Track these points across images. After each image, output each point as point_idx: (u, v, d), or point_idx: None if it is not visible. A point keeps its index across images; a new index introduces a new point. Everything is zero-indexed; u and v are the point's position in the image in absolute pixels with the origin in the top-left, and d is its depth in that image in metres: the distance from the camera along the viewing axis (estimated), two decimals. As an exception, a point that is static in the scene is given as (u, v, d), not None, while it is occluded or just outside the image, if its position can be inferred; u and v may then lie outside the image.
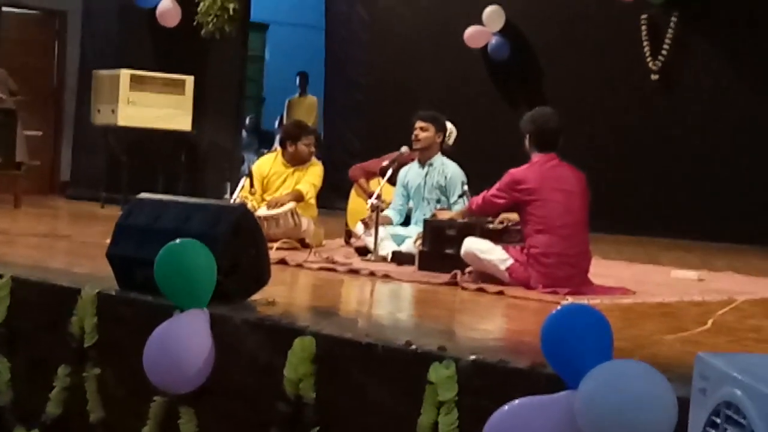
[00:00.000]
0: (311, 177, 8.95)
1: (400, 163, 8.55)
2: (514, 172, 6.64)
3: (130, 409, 4.97)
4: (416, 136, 8.25)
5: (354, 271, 7.22)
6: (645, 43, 12.06)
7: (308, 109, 16.54)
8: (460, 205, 7.83)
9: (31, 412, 5.41)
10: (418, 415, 3.91)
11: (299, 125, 9.55)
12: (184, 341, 4.53)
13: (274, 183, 8.98)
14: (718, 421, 2.27)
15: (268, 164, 9.12)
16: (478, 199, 6.89)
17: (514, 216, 7.03)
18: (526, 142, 6.73)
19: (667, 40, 11.94)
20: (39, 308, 5.55)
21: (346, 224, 9.32)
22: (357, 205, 9.27)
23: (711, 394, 2.34)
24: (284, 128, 9.46)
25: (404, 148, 8.51)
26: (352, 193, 9.55)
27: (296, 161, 9.00)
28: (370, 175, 9.44)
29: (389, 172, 8.38)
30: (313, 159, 9.19)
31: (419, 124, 8.27)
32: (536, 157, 6.66)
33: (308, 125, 9.99)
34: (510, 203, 6.68)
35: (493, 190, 6.70)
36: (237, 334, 4.65)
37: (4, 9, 14.84)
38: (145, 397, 4.84)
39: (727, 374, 2.28)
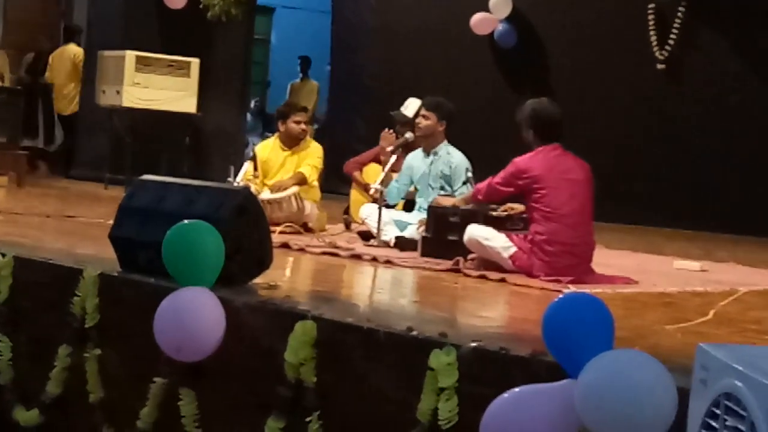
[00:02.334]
0: (311, 159, 8.95)
1: (404, 150, 8.55)
2: (519, 162, 6.62)
3: (131, 389, 4.97)
4: (418, 123, 8.25)
5: (356, 256, 7.22)
6: (652, 32, 12.02)
7: (308, 93, 16.64)
8: (463, 192, 7.81)
9: (31, 391, 5.43)
10: (418, 401, 3.91)
11: (288, 104, 9.63)
12: (197, 305, 4.54)
13: (273, 167, 8.98)
14: (718, 412, 2.27)
15: (266, 149, 9.12)
16: (482, 186, 6.88)
17: (518, 207, 7.03)
18: (528, 135, 6.68)
19: (674, 30, 11.91)
20: (41, 288, 5.56)
21: (345, 212, 9.34)
22: (358, 195, 9.31)
23: (711, 385, 2.33)
24: (277, 109, 9.53)
25: (409, 134, 8.51)
26: (353, 184, 9.57)
27: (290, 141, 9.00)
28: (363, 166, 9.48)
29: (393, 158, 8.37)
30: (310, 139, 9.20)
31: (422, 111, 8.26)
32: (540, 147, 6.64)
33: (297, 103, 10.00)
34: (514, 192, 6.68)
35: (498, 178, 6.69)
36: (238, 317, 4.65)
37: (10, -12, 14.84)
38: (145, 378, 4.85)
39: (727, 365, 2.28)
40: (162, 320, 4.53)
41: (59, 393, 5.31)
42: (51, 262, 5.61)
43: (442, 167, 8.17)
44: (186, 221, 4.77)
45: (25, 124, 13.60)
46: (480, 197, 6.94)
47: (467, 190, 7.73)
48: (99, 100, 12.67)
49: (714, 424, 2.29)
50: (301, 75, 16.99)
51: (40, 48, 14.56)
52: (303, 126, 9.03)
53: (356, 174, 9.46)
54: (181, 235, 4.71)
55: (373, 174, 8.99)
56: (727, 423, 2.23)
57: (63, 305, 5.25)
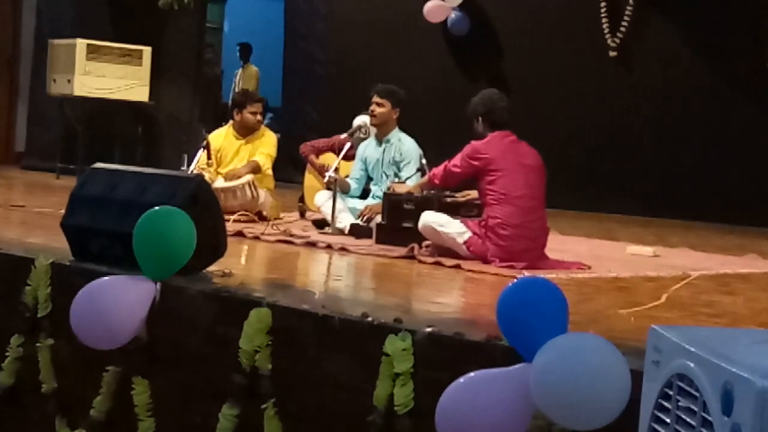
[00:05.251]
0: (266, 148, 8.91)
1: (357, 138, 8.55)
2: (475, 143, 6.69)
3: (83, 379, 4.94)
4: (372, 111, 8.26)
5: (311, 244, 7.21)
6: (604, 20, 12.07)
7: (248, 78, 16.65)
8: (416, 179, 7.82)
9: (-17, 382, 5.37)
10: (373, 386, 3.91)
11: (245, 93, 9.56)
12: (114, 296, 4.40)
13: (227, 155, 8.94)
14: (671, 392, 2.28)
15: (220, 137, 9.06)
16: (438, 170, 6.91)
17: (476, 193, 7.06)
18: (478, 125, 6.76)
19: (625, 17, 11.97)
20: (-8, 278, 5.50)
21: (300, 200, 9.32)
22: (311, 181, 9.28)
23: (664, 366, 2.35)
24: (232, 98, 9.48)
25: (362, 121, 8.51)
26: (307, 170, 9.54)
27: (245, 131, 8.97)
28: (319, 152, 9.45)
29: (347, 146, 8.37)
30: (264, 128, 9.16)
31: (376, 99, 8.27)
32: (493, 134, 6.70)
33: (254, 93, 9.96)
34: (469, 173, 6.71)
35: (454, 161, 6.75)
36: (192, 305, 4.63)
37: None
38: (98, 368, 4.82)
39: (680, 346, 2.29)
40: (74, 305, 4.43)
41: (11, 383, 5.27)
42: (2, 251, 5.55)
43: (393, 153, 8.22)
44: (167, 208, 4.69)
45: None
46: (436, 181, 6.96)
47: (419, 178, 7.74)
48: (50, 89, 12.54)
49: (667, 404, 2.31)
50: (241, 62, 17.07)
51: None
52: (259, 117, 9.00)
53: (312, 157, 9.42)
54: (155, 221, 4.62)
55: (329, 162, 8.97)
56: (679, 403, 2.25)
57: (14, 295, 5.20)
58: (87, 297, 4.43)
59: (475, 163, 6.61)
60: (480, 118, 6.76)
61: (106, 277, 4.52)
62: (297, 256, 6.92)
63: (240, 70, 17.13)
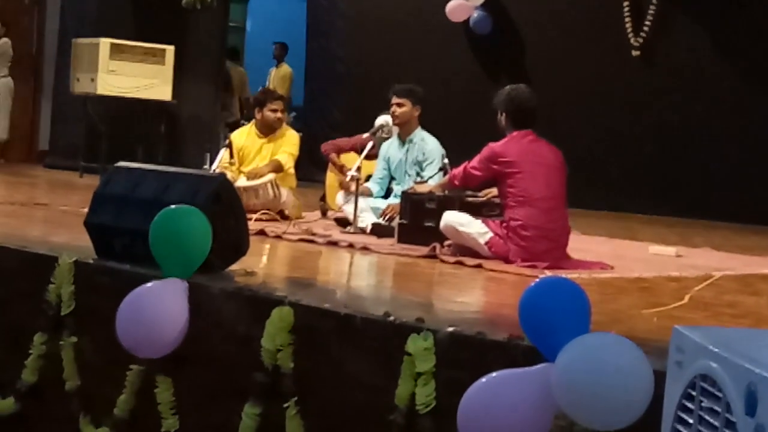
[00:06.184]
0: (288, 147, 8.92)
1: (380, 138, 8.55)
2: (494, 146, 6.64)
3: (107, 377, 4.95)
4: (393, 112, 8.24)
5: (333, 243, 7.21)
6: (627, 19, 12.05)
7: (282, 79, 16.62)
8: (438, 179, 7.81)
9: (7, 379, 5.40)
10: (395, 386, 3.91)
11: (265, 91, 9.57)
12: (160, 303, 4.50)
13: (249, 154, 8.95)
14: (694, 393, 2.27)
15: (242, 136, 9.08)
16: (458, 171, 6.89)
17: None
18: (502, 119, 6.73)
19: (648, 17, 11.94)
20: (16, 276, 5.53)
21: (322, 199, 9.32)
22: (333, 180, 9.28)
23: (687, 367, 2.34)
24: (254, 96, 9.48)
25: (384, 120, 8.51)
26: (329, 169, 9.53)
27: (266, 129, 8.97)
28: (341, 151, 9.45)
29: (369, 145, 8.36)
30: (286, 127, 9.16)
31: (395, 100, 8.26)
32: (513, 132, 6.67)
33: (274, 91, 9.96)
34: (489, 176, 6.69)
35: (473, 163, 6.72)
36: (215, 304, 4.64)
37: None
38: (121, 366, 4.83)
39: (703, 347, 2.28)
40: (120, 317, 4.50)
41: (35, 381, 5.28)
42: (26, 249, 5.58)
43: (416, 154, 8.19)
44: (177, 206, 4.74)
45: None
46: (456, 182, 6.95)
47: (441, 178, 7.74)
48: (73, 88, 12.60)
49: (690, 405, 2.30)
50: (275, 62, 17.02)
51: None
52: (279, 114, 9.00)
53: (333, 156, 9.41)
54: (170, 220, 4.67)
55: (350, 162, 8.97)
56: (703, 404, 2.24)
57: (38, 293, 5.22)
58: (131, 308, 4.46)
59: (495, 166, 6.58)
60: (504, 114, 6.73)
61: (146, 285, 4.54)
62: (319, 255, 6.93)
63: (273, 70, 17.08)
